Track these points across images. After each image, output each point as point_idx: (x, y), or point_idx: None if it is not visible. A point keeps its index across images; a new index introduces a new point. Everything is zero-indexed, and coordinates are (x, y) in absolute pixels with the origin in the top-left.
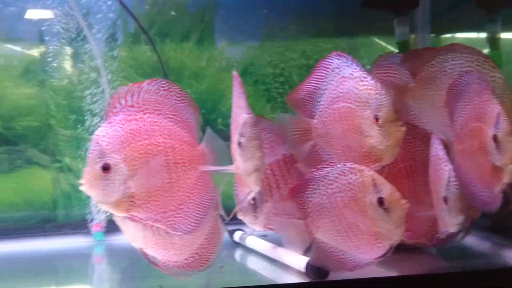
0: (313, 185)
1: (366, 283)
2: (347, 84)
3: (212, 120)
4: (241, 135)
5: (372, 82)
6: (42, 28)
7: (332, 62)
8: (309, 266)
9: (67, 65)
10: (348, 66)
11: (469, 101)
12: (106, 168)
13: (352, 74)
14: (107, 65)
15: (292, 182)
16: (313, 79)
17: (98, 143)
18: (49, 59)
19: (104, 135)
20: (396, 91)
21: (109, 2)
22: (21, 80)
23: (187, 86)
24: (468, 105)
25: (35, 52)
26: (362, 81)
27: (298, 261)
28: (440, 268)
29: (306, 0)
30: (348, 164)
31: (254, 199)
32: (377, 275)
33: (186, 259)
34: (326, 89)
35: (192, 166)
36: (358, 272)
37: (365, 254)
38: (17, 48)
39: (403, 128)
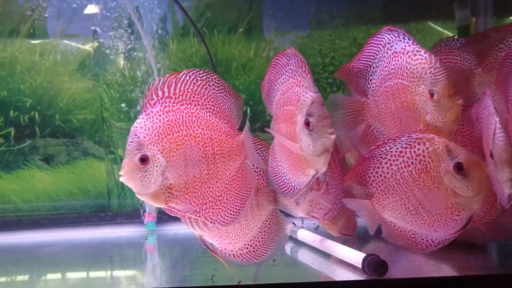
0: (375, 163)
1: (426, 282)
2: (400, 59)
3: (261, 111)
4: (309, 115)
5: (426, 55)
6: (95, 23)
7: (383, 38)
8: (366, 262)
9: (119, 59)
10: (400, 41)
11: None
12: (144, 160)
13: (404, 49)
14: (157, 58)
15: (337, 170)
16: (364, 56)
17: (136, 134)
18: (102, 54)
19: (142, 126)
20: (461, 76)
21: None
22: (76, 75)
23: (235, 77)
24: None
25: (88, 47)
26: (415, 55)
27: (354, 256)
28: (502, 268)
29: None
30: (413, 135)
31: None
32: (437, 275)
33: (240, 249)
34: (378, 66)
35: (231, 157)
36: (420, 269)
37: (439, 231)
38: (73, 44)
39: (460, 101)
